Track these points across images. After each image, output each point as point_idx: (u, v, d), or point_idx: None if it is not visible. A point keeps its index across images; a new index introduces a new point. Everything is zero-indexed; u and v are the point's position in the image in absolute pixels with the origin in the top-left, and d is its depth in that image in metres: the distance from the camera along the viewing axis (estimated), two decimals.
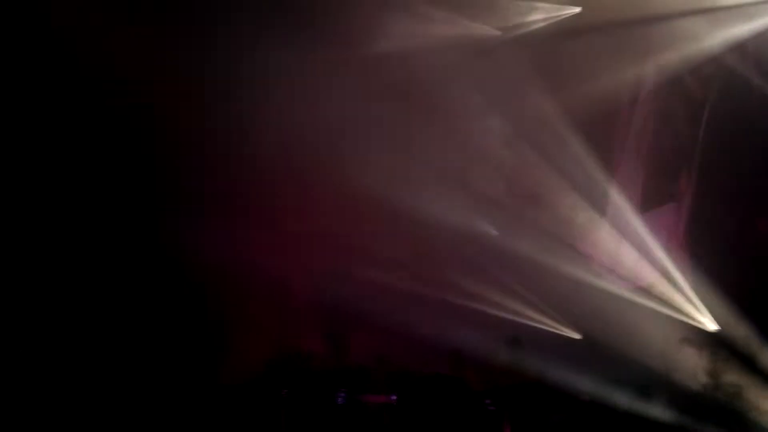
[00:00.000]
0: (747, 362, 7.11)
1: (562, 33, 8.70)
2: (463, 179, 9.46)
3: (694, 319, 7.87)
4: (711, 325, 7.73)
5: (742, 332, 7.46)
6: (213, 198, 9.63)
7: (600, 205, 8.65)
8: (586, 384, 7.59)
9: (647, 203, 8.82)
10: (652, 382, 7.44)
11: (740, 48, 8.16)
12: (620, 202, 8.45)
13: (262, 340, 10.81)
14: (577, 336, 8.88)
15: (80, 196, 9.09)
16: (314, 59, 8.87)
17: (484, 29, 8.94)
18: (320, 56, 8.92)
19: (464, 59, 9.05)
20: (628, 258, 8.55)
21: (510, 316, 9.18)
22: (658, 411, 7.04)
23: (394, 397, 8.54)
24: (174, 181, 9.43)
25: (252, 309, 10.69)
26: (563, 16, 8.61)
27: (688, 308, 7.93)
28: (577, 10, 8.51)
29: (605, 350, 7.82)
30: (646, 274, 8.37)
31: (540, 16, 8.70)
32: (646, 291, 8.31)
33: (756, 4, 7.86)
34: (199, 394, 9.49)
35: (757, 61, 8.05)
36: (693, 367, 7.62)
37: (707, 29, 8.19)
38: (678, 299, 8.05)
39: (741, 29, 8.06)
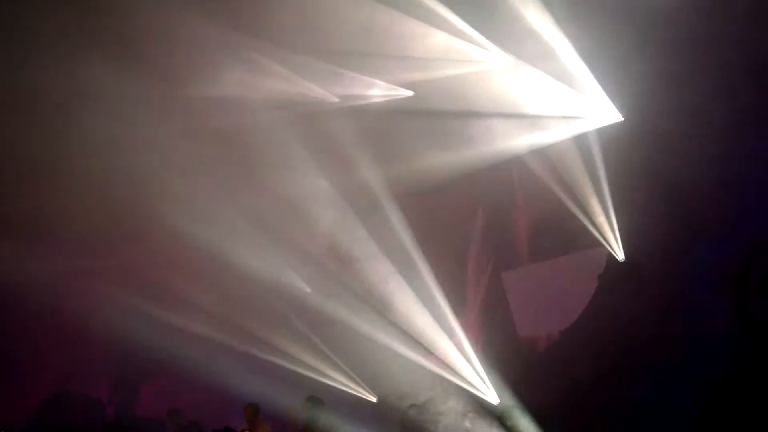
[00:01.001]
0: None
1: (391, 111, 9.28)
2: (282, 234, 9.54)
3: (480, 391, 8.51)
4: (494, 398, 8.40)
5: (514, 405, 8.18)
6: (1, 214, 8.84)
7: (409, 277, 9.12)
8: None
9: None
10: None
11: (540, 153, 9.18)
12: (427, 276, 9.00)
13: (39, 377, 9.86)
14: (373, 398, 9.17)
15: None
16: (140, 92, 8.61)
17: (322, 94, 9.28)
18: (148, 89, 8.69)
19: (298, 118, 9.29)
20: (428, 329, 9.07)
21: (312, 374, 9.28)
22: None
23: None
24: None
25: (32, 342, 9.75)
26: (397, 97, 9.21)
27: (477, 382, 8.58)
28: (410, 93, 9.15)
29: (398, 414, 8.15)
30: (442, 347, 8.95)
31: (377, 92, 9.22)
32: (443, 364, 8.86)
33: (555, 117, 8.99)
34: None
35: (554, 167, 9.14)
36: None
37: (514, 132, 9.20)
38: (469, 373, 8.67)
39: (541, 137, 9.14)
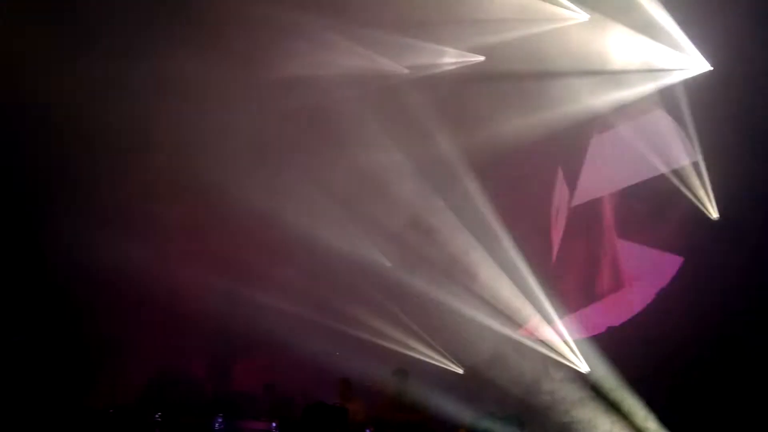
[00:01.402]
0: (608, 402, 7.64)
1: (465, 78, 9.07)
2: (362, 210, 9.60)
3: (568, 359, 8.35)
4: (583, 366, 8.24)
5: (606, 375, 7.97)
6: (100, 207, 9.29)
7: (491, 247, 8.99)
8: (465, 415, 7.81)
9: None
10: (526, 415, 7.73)
11: (624, 110, 8.76)
12: (510, 246, 8.83)
13: (142, 359, 10.37)
14: (459, 370, 9.17)
15: None
16: (219, 75, 8.78)
17: (393, 66, 9.18)
18: (226, 73, 8.85)
19: (371, 93, 9.24)
20: (511, 298, 8.94)
21: (398, 348, 9.36)
22: None
23: (275, 425, 8.37)
24: (62, 188, 9.04)
25: (134, 326, 10.24)
26: (468, 63, 8.98)
27: (564, 349, 8.42)
28: (481, 58, 8.91)
29: (487, 385, 8.12)
30: (529, 316, 8.81)
31: (446, 60, 9.04)
32: (529, 333, 8.73)
33: (638, 71, 8.55)
34: (69, 416, 8.96)
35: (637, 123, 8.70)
36: (562, 402, 8.05)
37: (594, 90, 8.82)
38: (555, 340, 8.51)
39: (624, 93, 8.71)
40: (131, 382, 10.28)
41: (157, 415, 8.95)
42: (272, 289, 9.66)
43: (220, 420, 8.69)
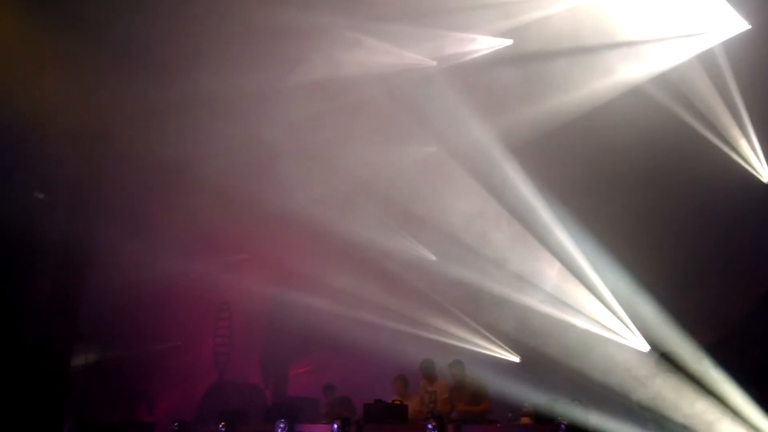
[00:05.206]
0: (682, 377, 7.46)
1: (494, 62, 8.90)
2: (404, 207, 9.56)
3: (628, 340, 8.17)
4: (644, 346, 8.04)
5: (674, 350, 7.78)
6: (146, 215, 9.43)
7: (534, 229, 8.83)
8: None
9: None
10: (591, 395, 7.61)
11: (662, 79, 8.47)
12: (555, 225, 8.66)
13: (200, 369, 10.53)
14: (515, 358, 9.06)
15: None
16: (244, 88, 8.79)
17: (420, 60, 9.08)
18: (254, 84, 8.86)
19: (400, 87, 9.15)
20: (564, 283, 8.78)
21: (454, 342, 9.31)
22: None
23: (336, 426, 8.37)
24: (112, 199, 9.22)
25: (189, 335, 10.42)
26: (496, 48, 8.82)
27: (624, 331, 8.23)
28: (509, 42, 8.72)
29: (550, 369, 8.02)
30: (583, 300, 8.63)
31: (474, 47, 8.87)
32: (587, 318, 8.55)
33: (674, 38, 8.25)
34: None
35: (678, 91, 8.41)
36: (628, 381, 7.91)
37: (629, 61, 8.55)
38: (614, 323, 8.32)
39: (662, 61, 8.42)
40: (189, 393, 10.45)
41: (220, 425, 9.04)
42: (322, 291, 9.70)
43: (282, 425, 8.73)
